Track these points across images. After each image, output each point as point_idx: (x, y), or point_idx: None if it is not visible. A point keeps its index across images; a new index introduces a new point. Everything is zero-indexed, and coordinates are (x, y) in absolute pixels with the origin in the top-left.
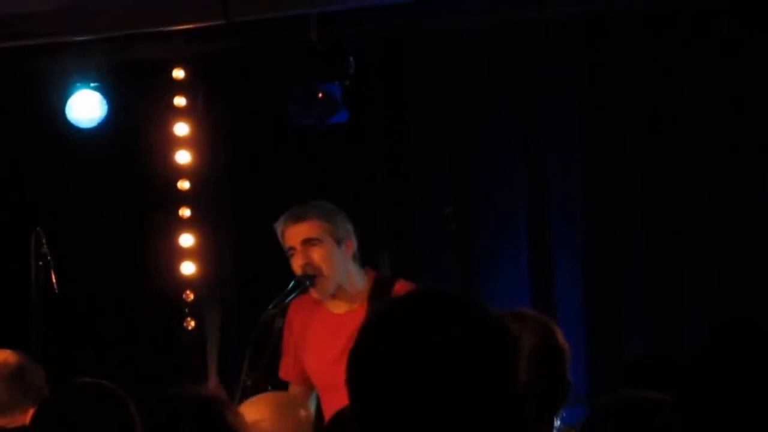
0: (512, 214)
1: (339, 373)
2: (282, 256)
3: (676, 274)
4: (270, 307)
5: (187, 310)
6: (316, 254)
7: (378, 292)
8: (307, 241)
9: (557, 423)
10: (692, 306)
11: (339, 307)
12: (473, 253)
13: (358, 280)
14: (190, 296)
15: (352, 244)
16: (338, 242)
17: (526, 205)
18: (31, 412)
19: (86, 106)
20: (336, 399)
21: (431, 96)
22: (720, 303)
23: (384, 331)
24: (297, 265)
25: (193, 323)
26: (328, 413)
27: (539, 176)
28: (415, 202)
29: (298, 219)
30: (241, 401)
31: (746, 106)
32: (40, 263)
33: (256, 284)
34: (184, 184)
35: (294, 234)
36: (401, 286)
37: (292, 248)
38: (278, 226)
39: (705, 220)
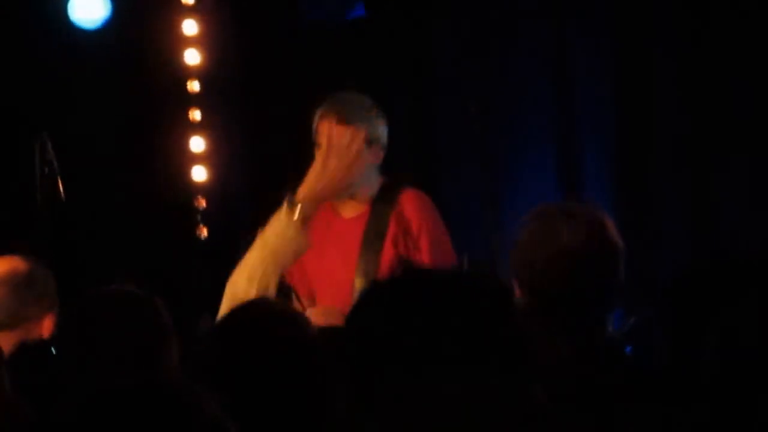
0: (539, 110)
1: (337, 276)
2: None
3: (711, 173)
4: None
5: (199, 218)
6: None
7: (382, 198)
8: None
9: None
10: (727, 207)
11: (348, 211)
12: (499, 151)
13: (373, 186)
14: (202, 203)
15: (380, 153)
16: (368, 144)
17: (555, 100)
18: (45, 322)
19: (89, 6)
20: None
21: None
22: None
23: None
24: None
25: (205, 231)
26: None
27: (567, 71)
28: (438, 102)
29: (341, 122)
30: None
31: None
32: (46, 170)
33: (268, 189)
34: (193, 85)
35: (331, 135)
36: (407, 195)
37: (321, 146)
38: (319, 113)
39: (742, 116)
